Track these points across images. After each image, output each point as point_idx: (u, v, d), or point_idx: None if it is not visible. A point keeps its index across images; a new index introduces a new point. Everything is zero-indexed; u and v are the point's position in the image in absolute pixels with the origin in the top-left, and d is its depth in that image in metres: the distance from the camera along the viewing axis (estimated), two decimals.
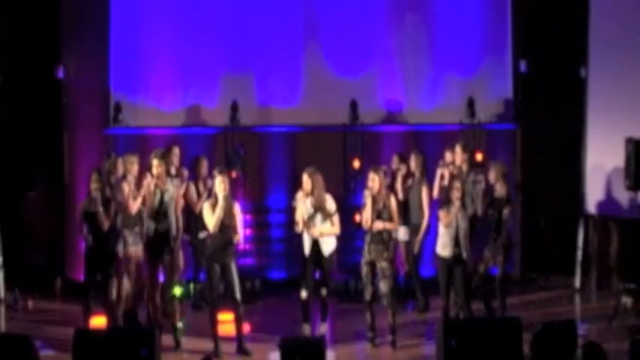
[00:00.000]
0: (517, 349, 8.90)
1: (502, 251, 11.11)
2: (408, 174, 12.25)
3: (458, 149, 12.00)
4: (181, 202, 11.14)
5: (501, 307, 11.23)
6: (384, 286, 10.65)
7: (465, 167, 11.96)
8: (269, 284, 13.33)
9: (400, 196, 12.12)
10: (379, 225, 10.61)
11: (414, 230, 12.13)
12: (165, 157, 10.93)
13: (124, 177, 11.22)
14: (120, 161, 11.49)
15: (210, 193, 11.77)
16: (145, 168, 10.98)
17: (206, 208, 10.49)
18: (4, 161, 12.93)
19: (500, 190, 11.23)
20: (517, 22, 13.49)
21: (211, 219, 10.40)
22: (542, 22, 13.38)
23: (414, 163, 12.16)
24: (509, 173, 11.65)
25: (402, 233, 12.17)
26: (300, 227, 10.85)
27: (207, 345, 10.63)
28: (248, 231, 13.31)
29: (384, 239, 10.68)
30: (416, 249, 12.13)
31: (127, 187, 10.99)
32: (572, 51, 13.15)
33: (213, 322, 10.51)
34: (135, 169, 11.30)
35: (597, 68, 12.86)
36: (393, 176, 12.42)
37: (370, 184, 10.66)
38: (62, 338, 10.37)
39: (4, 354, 8.41)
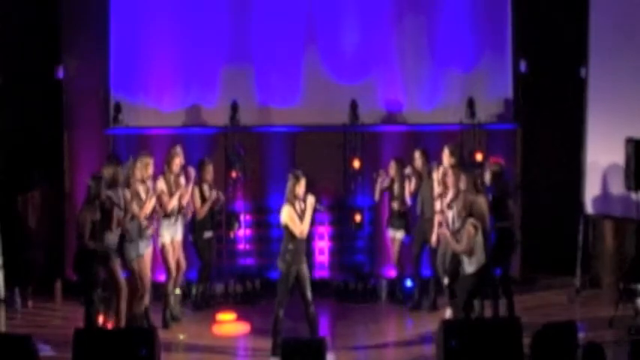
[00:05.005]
0: (517, 349, 8.91)
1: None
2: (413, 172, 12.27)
3: (446, 152, 11.84)
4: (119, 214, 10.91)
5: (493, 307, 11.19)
6: None
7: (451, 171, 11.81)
8: (269, 284, 13.28)
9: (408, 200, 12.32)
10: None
11: (428, 225, 12.04)
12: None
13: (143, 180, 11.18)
14: (138, 164, 11.27)
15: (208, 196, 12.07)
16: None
17: (289, 213, 10.34)
18: (4, 161, 12.93)
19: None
20: (517, 22, 13.46)
21: (296, 225, 10.29)
22: (542, 22, 13.37)
23: (420, 160, 12.18)
24: (505, 173, 11.62)
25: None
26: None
27: (206, 345, 10.64)
28: (248, 231, 13.32)
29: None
30: (434, 242, 11.82)
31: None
32: (572, 51, 13.14)
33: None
34: (150, 170, 11.27)
35: (597, 68, 12.84)
36: (392, 181, 12.44)
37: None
38: (62, 338, 10.38)
39: (4, 354, 8.42)
